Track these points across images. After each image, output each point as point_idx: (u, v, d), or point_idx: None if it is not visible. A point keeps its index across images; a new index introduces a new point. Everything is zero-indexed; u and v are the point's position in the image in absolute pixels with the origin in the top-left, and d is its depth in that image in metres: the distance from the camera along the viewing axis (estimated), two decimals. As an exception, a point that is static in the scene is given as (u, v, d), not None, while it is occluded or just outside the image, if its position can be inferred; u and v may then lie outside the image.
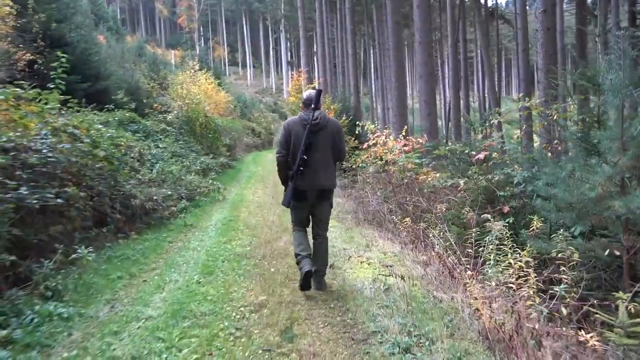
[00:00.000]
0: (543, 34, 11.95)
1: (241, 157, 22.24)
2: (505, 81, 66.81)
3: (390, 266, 5.31)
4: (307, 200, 4.18)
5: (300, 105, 4.39)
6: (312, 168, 4.02)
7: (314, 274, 4.11)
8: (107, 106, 12.88)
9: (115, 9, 66.58)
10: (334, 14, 39.66)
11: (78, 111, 6.46)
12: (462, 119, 22.56)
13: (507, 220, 5.03)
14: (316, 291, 4.27)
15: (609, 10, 20.97)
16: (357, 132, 10.49)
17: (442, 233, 5.51)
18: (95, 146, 5.94)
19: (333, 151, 4.19)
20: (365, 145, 8.20)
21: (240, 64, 76.99)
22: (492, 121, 7.50)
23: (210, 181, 10.51)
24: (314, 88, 21.85)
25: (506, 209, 5.09)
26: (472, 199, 5.59)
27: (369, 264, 5.29)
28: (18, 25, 14.16)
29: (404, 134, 8.27)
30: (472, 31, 36.08)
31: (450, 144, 16.66)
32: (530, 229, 4.52)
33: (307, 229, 4.46)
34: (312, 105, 4.05)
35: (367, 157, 8.36)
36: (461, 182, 5.89)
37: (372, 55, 44.96)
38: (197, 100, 15.92)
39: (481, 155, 5.52)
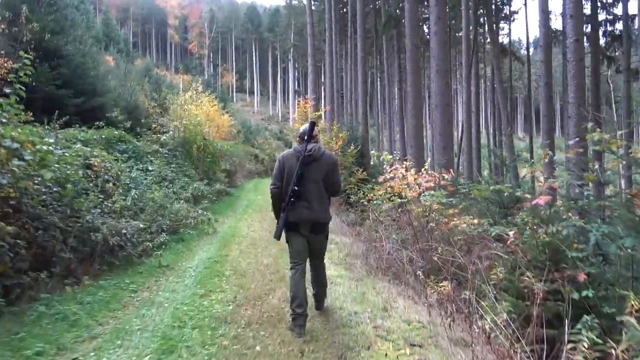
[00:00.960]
0: (575, 65, 10.72)
1: (241, 184, 20.89)
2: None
3: (419, 346, 3.86)
4: (299, 232, 4.03)
5: (297, 138, 4.42)
6: (304, 200, 3.93)
7: (313, 295, 4.26)
8: (96, 123, 11.69)
9: (127, 32, 66.66)
10: (344, 44, 39.06)
11: (23, 122, 5.04)
12: (473, 154, 21.27)
13: (583, 294, 3.61)
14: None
15: (630, 49, 19.97)
16: (372, 162, 9.11)
17: (488, 300, 4.09)
18: (42, 165, 4.57)
19: (327, 184, 4.08)
20: (381, 179, 6.83)
21: (247, 91, 76.72)
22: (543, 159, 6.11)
23: (200, 211, 9.10)
24: (319, 116, 20.76)
25: (582, 276, 3.65)
26: (528, 259, 4.15)
27: (389, 342, 3.84)
28: (7, 32, 13.13)
29: (426, 167, 6.92)
30: (481, 67, 35.30)
31: (462, 180, 15.23)
32: (627, 310, 3.13)
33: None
34: (305, 138, 4.02)
35: (384, 192, 6.97)
36: (510, 233, 4.46)
37: (378, 87, 44.18)
38: (196, 121, 14.68)
39: (541, 201, 4.11)
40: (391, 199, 6.89)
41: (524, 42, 64.10)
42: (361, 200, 10.13)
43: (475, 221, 5.11)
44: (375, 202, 7.28)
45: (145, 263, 5.95)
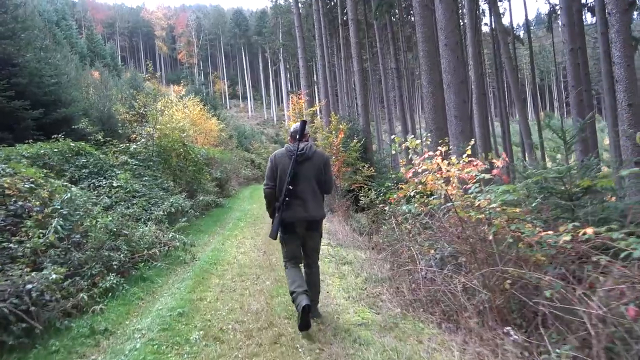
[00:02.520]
0: (619, 18, 8.69)
1: (235, 192, 18.78)
2: (506, 102, 64.15)
3: None
4: (296, 233, 3.98)
5: (288, 138, 4.27)
6: (298, 199, 3.88)
7: None
8: (54, 136, 9.78)
9: (113, 47, 64.51)
10: (334, 38, 37.07)
11: None
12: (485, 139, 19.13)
13: None
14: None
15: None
16: (393, 151, 6.98)
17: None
18: None
19: (319, 182, 4.02)
20: (409, 174, 4.73)
21: (240, 97, 74.65)
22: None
23: (172, 234, 7.00)
24: (314, 112, 18.74)
25: None
26: None
27: None
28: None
29: (469, 151, 4.85)
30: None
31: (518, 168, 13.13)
32: None
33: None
34: (297, 137, 3.96)
35: (413, 191, 4.87)
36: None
37: (372, 80, 42.00)
38: (174, 125, 12.64)
39: None
40: (425, 200, 4.81)
41: (516, 26, 62.40)
42: (376, 203, 8.10)
43: (589, 231, 3.02)
44: (406, 206, 5.19)
45: (69, 330, 3.85)
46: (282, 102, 66.12)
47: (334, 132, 11.51)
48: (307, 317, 3.64)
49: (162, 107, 14.97)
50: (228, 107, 66.09)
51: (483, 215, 3.73)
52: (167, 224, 8.04)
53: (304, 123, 4.04)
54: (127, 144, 10.73)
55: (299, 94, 19.69)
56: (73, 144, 9.28)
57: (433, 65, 8.36)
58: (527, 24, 29.20)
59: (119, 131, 15.76)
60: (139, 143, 10.91)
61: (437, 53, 8.73)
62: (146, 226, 7.05)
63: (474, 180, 4.62)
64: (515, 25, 54.06)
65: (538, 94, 68.89)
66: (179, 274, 6.03)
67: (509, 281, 3.65)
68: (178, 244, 6.73)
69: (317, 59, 26.64)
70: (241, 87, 75.25)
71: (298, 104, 18.98)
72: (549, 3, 32.24)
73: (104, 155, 9.78)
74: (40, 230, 4.51)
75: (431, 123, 8.18)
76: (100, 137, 11.53)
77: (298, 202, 3.87)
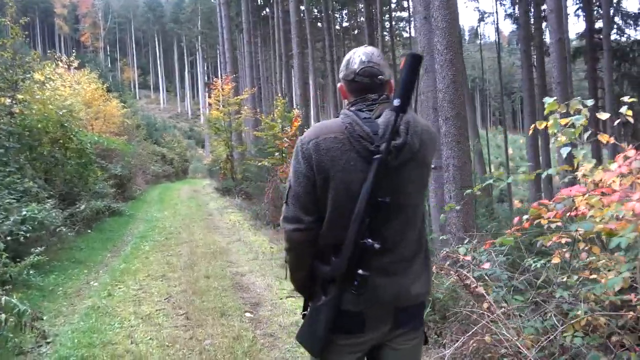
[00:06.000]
0: None
1: (141, 194, 14.71)
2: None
3: None
4: (363, 337, 1.23)
5: (339, 83, 1.32)
6: (386, 254, 1.18)
7: None
8: None
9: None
10: (258, 29, 33.70)
11: None
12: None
13: None
14: None
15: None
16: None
17: None
18: None
19: (420, 203, 1.32)
20: (558, 213, 1.64)
21: (152, 88, 67.63)
22: None
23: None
24: (240, 102, 15.18)
25: None
26: None
27: None
28: None
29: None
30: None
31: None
32: None
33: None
34: (396, 96, 1.14)
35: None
36: None
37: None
38: (57, 104, 8.63)
39: None
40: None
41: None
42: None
43: None
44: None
45: None
46: (197, 95, 60.78)
47: (279, 120, 8.33)
48: None
49: (43, 79, 10.69)
50: (138, 98, 59.20)
51: None
52: (5, 259, 4.38)
53: (416, 58, 1.17)
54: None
55: (225, 77, 16.11)
56: None
57: (453, 18, 5.50)
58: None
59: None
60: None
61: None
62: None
63: None
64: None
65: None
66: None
67: None
68: (4, 316, 3.18)
69: (244, 44, 23.21)
70: (153, 77, 68.19)
71: (223, 91, 15.39)
72: (479, 11, 31.75)
73: None
74: None
75: (448, 107, 5.33)
76: None
77: (384, 261, 1.19)
